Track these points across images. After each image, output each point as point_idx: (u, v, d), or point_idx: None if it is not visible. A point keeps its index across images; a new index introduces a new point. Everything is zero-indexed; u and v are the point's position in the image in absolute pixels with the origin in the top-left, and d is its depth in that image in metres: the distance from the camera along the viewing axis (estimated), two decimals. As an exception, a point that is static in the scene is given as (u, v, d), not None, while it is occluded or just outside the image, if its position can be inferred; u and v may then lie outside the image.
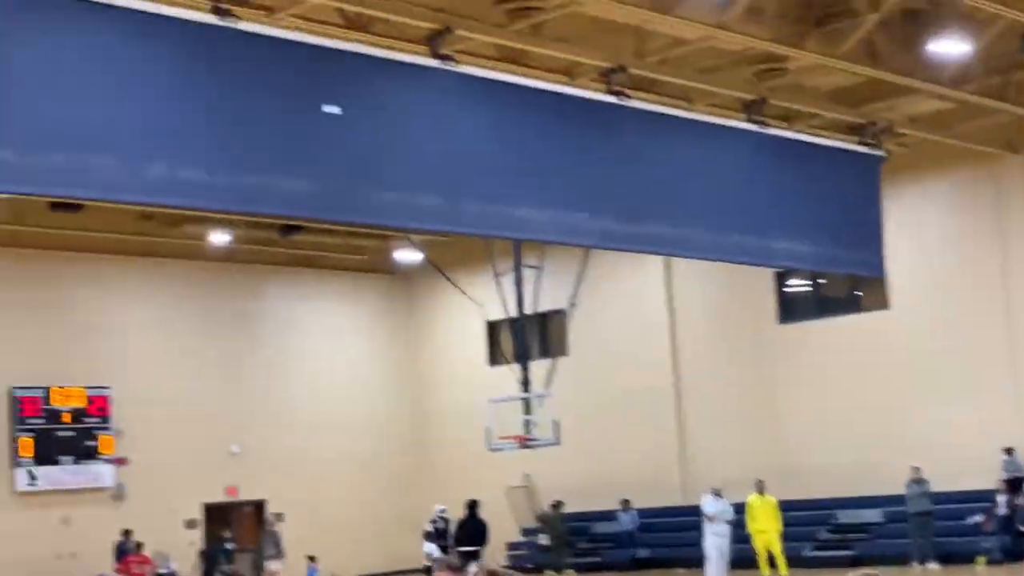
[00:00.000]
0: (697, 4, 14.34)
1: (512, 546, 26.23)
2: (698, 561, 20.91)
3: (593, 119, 13.05)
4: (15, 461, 23.19)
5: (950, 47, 16.33)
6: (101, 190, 9.88)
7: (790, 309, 24.41)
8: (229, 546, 24.47)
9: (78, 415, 24.06)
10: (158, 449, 24.54)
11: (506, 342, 26.84)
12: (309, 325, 27.80)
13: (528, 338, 24.41)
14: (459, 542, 21.42)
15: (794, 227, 14.72)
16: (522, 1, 14.01)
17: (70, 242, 24.00)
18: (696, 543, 20.96)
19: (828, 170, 15.25)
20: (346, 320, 28.65)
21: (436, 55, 12.12)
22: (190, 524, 25.24)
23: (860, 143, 16.20)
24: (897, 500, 21.27)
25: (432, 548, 22.96)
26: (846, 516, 22.89)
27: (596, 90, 13.83)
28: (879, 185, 15.98)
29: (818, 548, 22.53)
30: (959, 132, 20.45)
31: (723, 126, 14.53)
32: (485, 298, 25.44)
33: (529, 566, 24.70)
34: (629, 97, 13.65)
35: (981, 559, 20.65)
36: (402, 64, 11.73)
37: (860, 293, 23.44)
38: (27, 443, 23.34)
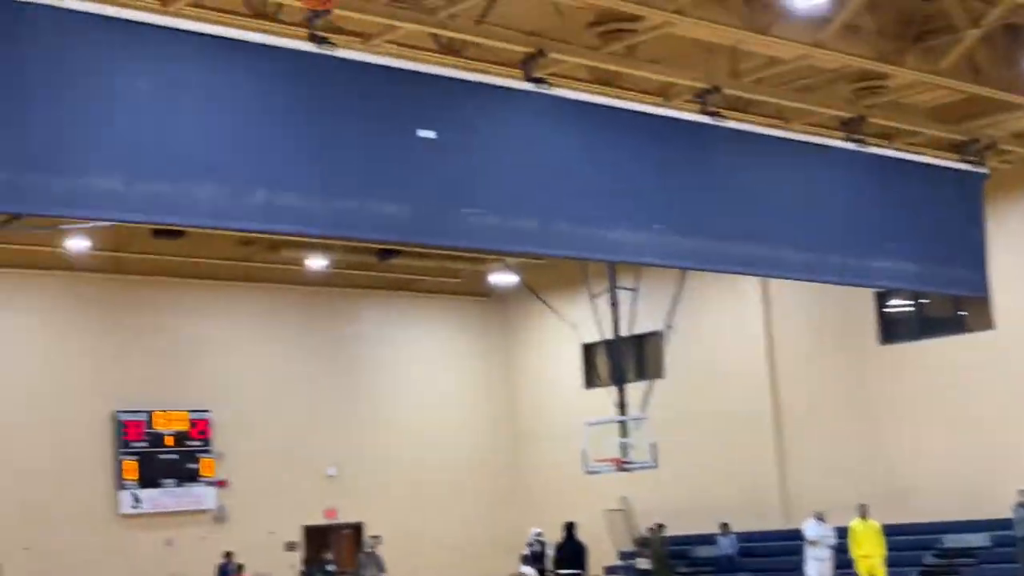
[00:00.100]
0: (793, 23, 14.23)
1: (610, 570, 26.08)
2: (799, 586, 20.64)
3: (687, 140, 12.99)
4: (119, 484, 23.60)
5: (1054, 61, 16.01)
6: (204, 217, 10.04)
7: (891, 330, 24.01)
8: (330, 568, 24.65)
9: (180, 438, 24.44)
10: (258, 471, 24.83)
11: (602, 364, 26.77)
12: (405, 348, 27.97)
13: (624, 360, 24.33)
14: (558, 564, 21.36)
15: (894, 246, 14.50)
16: (615, 23, 13.99)
17: (172, 268, 24.44)
18: (797, 568, 20.68)
19: (929, 188, 15.01)
20: (442, 343, 28.78)
21: (529, 78, 12.17)
22: (290, 546, 25.47)
23: (962, 161, 15.93)
24: (1004, 524, 20.77)
25: (530, 571, 22.90)
26: (952, 540, 22.39)
27: (690, 111, 13.77)
28: (982, 203, 15.69)
29: (923, 574, 22.07)
30: (1065, 148, 20.02)
31: (820, 145, 14.38)
32: (580, 320, 25.41)
33: (627, 590, 24.55)
34: (724, 117, 13.59)
35: (1092, 585, 20.13)
36: (496, 88, 11.80)
37: (964, 313, 22.97)
38: (131, 466, 23.76)
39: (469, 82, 11.59)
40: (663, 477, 22.84)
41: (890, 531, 20.48)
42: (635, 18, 13.71)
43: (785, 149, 13.92)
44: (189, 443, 24.51)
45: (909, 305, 23.99)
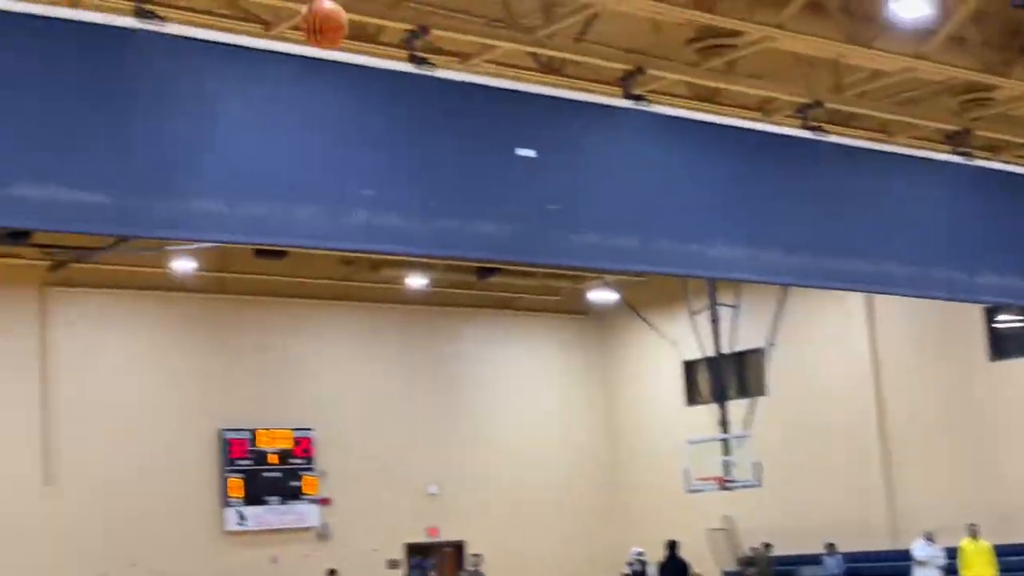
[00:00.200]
0: (897, 35, 14.02)
1: (712, 589, 25.84)
2: (908, 608, 20.25)
3: (788, 155, 12.83)
4: (225, 501, 23.92)
5: None
6: (305, 237, 10.13)
7: (1001, 346, 23.48)
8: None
9: (284, 456, 24.71)
10: (359, 489, 25.01)
11: (703, 382, 26.56)
12: (504, 366, 28.01)
13: (725, 378, 24.12)
14: (661, 583, 21.22)
15: (1001, 261, 14.15)
16: (714, 39, 13.90)
17: (275, 288, 24.75)
18: (905, 589, 20.30)
19: (1039, 201, 14.65)
20: (541, 361, 28.77)
21: (628, 95, 12.12)
22: (393, 564, 25.60)
23: (1072, 173, 15.51)
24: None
25: (631, 590, 22.79)
26: (1065, 562, 21.84)
27: (791, 126, 13.61)
28: (1093, 216, 15.26)
29: (1036, 596, 21.56)
30: None
31: (925, 159, 14.11)
32: (680, 337, 25.25)
33: (731, 610, 24.29)
34: (826, 132, 13.41)
35: None
36: (594, 106, 11.76)
37: (1077, 328, 22.43)
38: (236, 484, 24.06)
39: (568, 100, 11.57)
40: (766, 496, 22.56)
41: (1001, 551, 20.01)
42: (735, 33, 13.60)
43: (889, 163, 13.67)
44: (292, 461, 24.77)
45: (1020, 320, 23.45)
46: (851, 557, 24.34)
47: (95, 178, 8.91)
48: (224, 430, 24.08)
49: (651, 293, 26.23)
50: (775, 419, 24.50)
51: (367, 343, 26.37)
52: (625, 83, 12.51)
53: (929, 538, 19.98)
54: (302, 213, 9.69)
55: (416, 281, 25.34)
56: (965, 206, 14.03)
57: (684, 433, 23.10)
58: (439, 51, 12.66)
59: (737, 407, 23.26)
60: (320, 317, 25.70)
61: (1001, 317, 23.47)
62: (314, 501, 24.87)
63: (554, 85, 12.93)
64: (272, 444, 24.57)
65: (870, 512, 24.47)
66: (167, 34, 9.28)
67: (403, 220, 10.28)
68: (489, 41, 13.00)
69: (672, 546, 21.51)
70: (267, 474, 24.41)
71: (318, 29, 6.96)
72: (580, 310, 28.88)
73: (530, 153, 10.90)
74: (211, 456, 23.94)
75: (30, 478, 21.75)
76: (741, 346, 24.12)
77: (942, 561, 19.92)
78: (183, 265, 22.66)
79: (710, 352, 23.95)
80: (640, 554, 23.51)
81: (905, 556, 20.73)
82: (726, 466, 21.33)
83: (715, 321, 23.72)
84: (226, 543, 23.87)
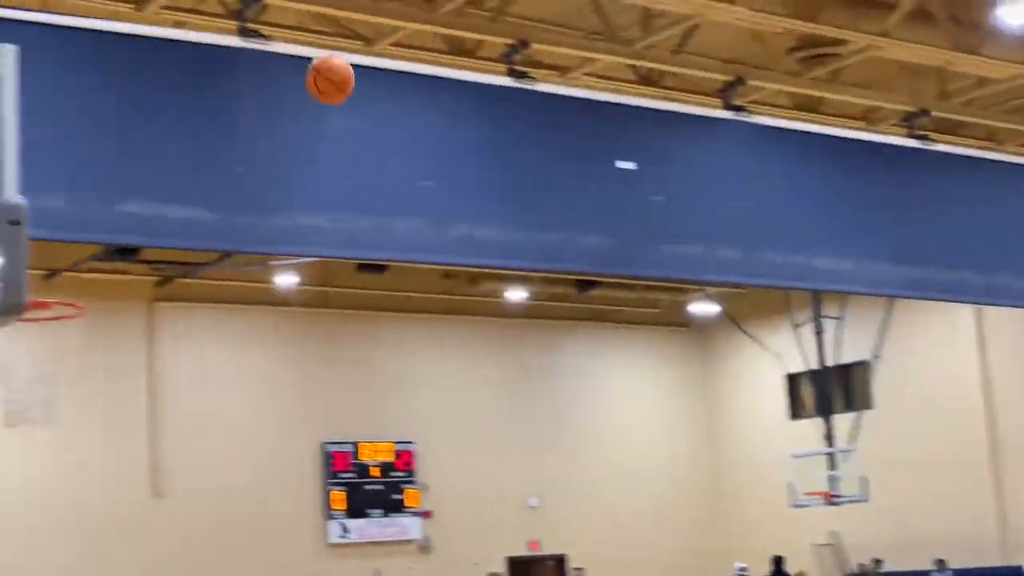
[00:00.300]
0: (1005, 42, 13.71)
1: (818, 606, 25.44)
2: (1021, 627, 19.75)
3: (894, 165, 12.67)
4: (328, 514, 24.12)
5: None
6: (406, 251, 10.22)
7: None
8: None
9: (386, 469, 24.86)
10: (460, 502, 25.07)
11: (807, 395, 26.21)
12: (605, 379, 27.90)
13: (830, 391, 23.78)
14: (765, 599, 20.96)
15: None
16: (817, 48, 13.72)
17: (375, 302, 24.93)
18: (1018, 607, 19.81)
19: None
20: (641, 373, 28.61)
21: (729, 106, 12.04)
22: (493, 577, 25.63)
23: None
24: None
25: (735, 606, 22.53)
26: None
27: (897, 135, 13.41)
28: None
29: None
30: None
31: (1036, 167, 13.81)
32: (784, 350, 24.95)
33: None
34: (933, 141, 13.19)
35: None
36: (695, 117, 11.72)
37: None
38: (339, 496, 24.25)
39: (668, 112, 11.54)
40: (873, 511, 22.17)
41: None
42: (838, 42, 13.41)
43: (998, 172, 13.43)
44: (394, 474, 24.90)
45: None
46: (961, 573, 23.79)
47: (201, 195, 9.06)
48: (327, 443, 24.29)
49: (753, 305, 25.96)
50: (881, 432, 24.06)
51: (467, 356, 26.44)
52: (725, 94, 12.40)
53: (1042, 555, 19.51)
54: (404, 227, 9.77)
55: (516, 294, 25.36)
56: (1078, 215, 13.69)
57: (787, 447, 22.79)
58: (538, 64, 12.65)
59: (843, 421, 22.91)
60: (420, 330, 25.82)
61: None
62: (416, 514, 24.98)
63: (654, 97, 12.88)
64: (374, 457, 24.73)
65: (981, 527, 23.91)
66: (270, 52, 9.41)
67: (503, 233, 10.31)
68: (588, 54, 12.97)
69: (778, 561, 21.26)
70: (369, 487, 24.56)
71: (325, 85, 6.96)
72: (681, 323, 28.68)
73: (630, 165, 10.87)
74: (314, 469, 24.16)
75: (139, 490, 22.12)
76: (846, 359, 23.77)
77: (1057, 578, 19.43)
78: (286, 280, 22.92)
79: (814, 365, 23.64)
80: (743, 569, 23.24)
81: (1017, 572, 20.25)
82: (832, 481, 21.03)
83: (819, 333, 23.42)
84: (329, 555, 24.07)
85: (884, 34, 13.09)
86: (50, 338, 13.53)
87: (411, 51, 12.57)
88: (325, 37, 12.31)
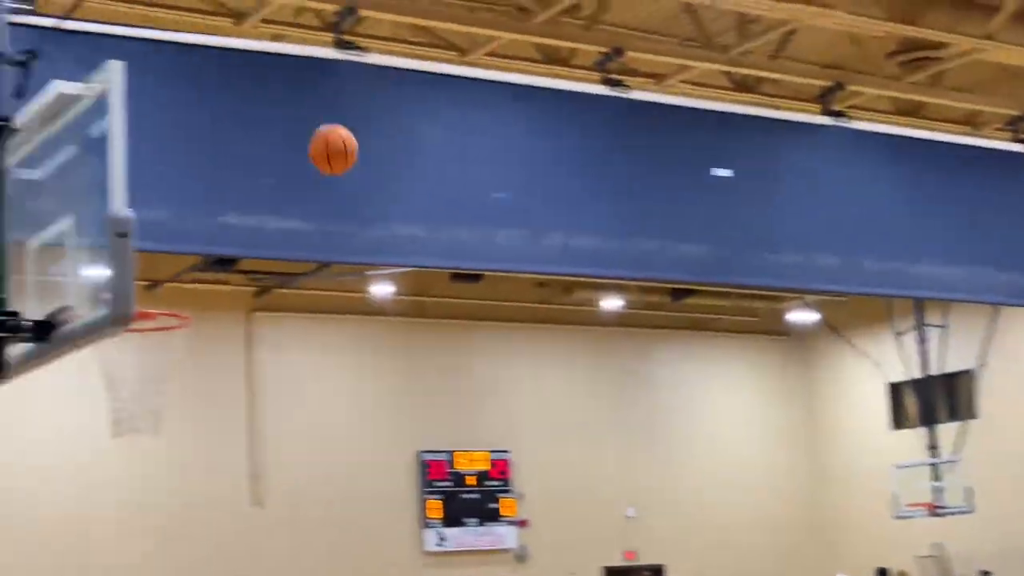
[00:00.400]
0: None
1: (922, 619, 24.97)
2: None
3: (997, 170, 12.42)
4: (424, 523, 24.22)
5: None
6: (502, 261, 10.22)
7: None
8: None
9: (481, 478, 24.90)
10: (556, 511, 25.01)
11: (910, 404, 25.77)
12: (701, 388, 27.69)
13: (934, 400, 23.36)
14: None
15: None
16: (918, 52, 13.49)
17: (470, 311, 25.00)
18: None
19: None
20: (739, 382, 28.34)
21: (828, 112, 11.89)
22: (589, 587, 25.53)
23: None
24: None
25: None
26: None
27: (1001, 139, 13.13)
28: None
29: None
30: None
31: None
32: (885, 359, 24.56)
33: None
34: (1038, 145, 12.90)
35: None
36: (792, 123, 11.59)
37: None
38: (435, 505, 24.34)
39: (765, 118, 11.44)
40: (978, 522, 21.70)
41: None
42: (940, 45, 13.17)
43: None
44: (489, 483, 24.93)
45: None
46: (1070, 587, 23.25)
47: (299, 206, 9.15)
48: (422, 452, 24.40)
49: (853, 313, 25.59)
50: (987, 442, 23.54)
51: (562, 365, 26.39)
52: (824, 99, 12.23)
53: None
54: (499, 237, 9.78)
55: (611, 303, 25.27)
56: None
57: (890, 457, 22.42)
58: (633, 72, 12.60)
59: (947, 430, 22.49)
60: (515, 339, 25.84)
61: None
62: (512, 523, 24.98)
63: (750, 104, 12.78)
64: (470, 466, 24.78)
65: (1091, 541, 23.32)
66: (367, 64, 9.48)
67: (599, 242, 10.28)
68: (683, 61, 12.89)
69: (882, 573, 20.92)
70: (465, 496, 24.62)
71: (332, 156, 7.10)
72: (780, 331, 28.35)
73: (726, 173, 10.78)
74: (410, 478, 24.28)
75: (239, 498, 22.39)
76: (950, 367, 23.34)
77: None
78: (382, 290, 23.08)
79: (917, 374, 23.25)
80: (844, 582, 22.95)
81: None
82: (936, 491, 20.65)
83: (922, 342, 23.04)
84: (427, 564, 24.16)
85: (988, 36, 12.83)
86: (154, 348, 13.76)
87: (505, 60, 12.60)
88: (420, 48, 12.39)
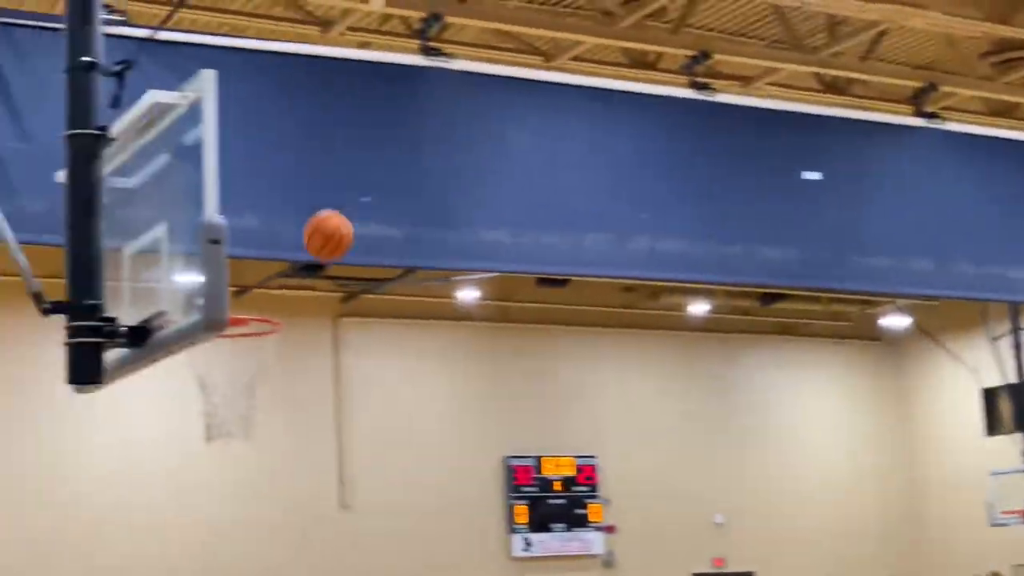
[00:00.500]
0: None
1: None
2: None
3: (1097, 170, 12.14)
4: (511, 528, 24.23)
5: None
6: (589, 266, 10.20)
7: None
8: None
9: (568, 484, 24.84)
10: (643, 517, 24.88)
11: (1005, 410, 25.27)
12: (790, 394, 27.39)
13: (1030, 406, 22.91)
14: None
15: None
16: (1012, 52, 13.24)
17: (556, 316, 24.97)
18: None
19: None
20: (830, 388, 28.00)
21: (920, 113, 11.72)
22: (677, 594, 25.37)
23: None
24: None
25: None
26: None
27: (1099, 140, 12.84)
28: None
29: None
30: None
31: None
32: (980, 364, 24.13)
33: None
34: None
35: None
36: (884, 125, 11.42)
37: None
38: (522, 510, 24.34)
39: (855, 120, 11.29)
40: (1077, 532, 21.25)
41: None
42: (1035, 45, 12.94)
43: None
44: (576, 488, 24.87)
45: None
46: None
47: (386, 212, 9.20)
48: (509, 457, 24.41)
49: (946, 317, 25.16)
50: (1085, 450, 23.05)
51: (648, 370, 26.27)
52: (916, 101, 12.06)
53: None
54: (585, 241, 9.76)
55: (698, 308, 25.10)
56: None
57: (984, 464, 22.01)
58: (720, 75, 12.51)
59: (1043, 437, 22.07)
60: (601, 344, 25.76)
61: None
62: (599, 529, 24.90)
63: (840, 105, 12.62)
64: (556, 471, 24.74)
65: None
66: (453, 70, 9.51)
67: (686, 246, 10.22)
68: (772, 63, 12.77)
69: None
70: (552, 501, 24.59)
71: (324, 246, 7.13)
72: (871, 336, 27.96)
73: (816, 176, 10.66)
74: (497, 483, 24.30)
75: (327, 502, 22.57)
76: (1047, 373, 22.88)
77: None
78: (468, 295, 23.14)
79: (1013, 379, 22.80)
80: (938, 590, 22.57)
81: None
82: (1032, 499, 20.26)
83: (1018, 346, 22.59)
84: (513, 569, 24.16)
85: (1085, 35, 12.57)
86: (245, 353, 13.92)
87: (591, 65, 12.57)
88: (505, 53, 12.40)
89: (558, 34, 12.03)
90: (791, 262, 10.53)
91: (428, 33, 10.04)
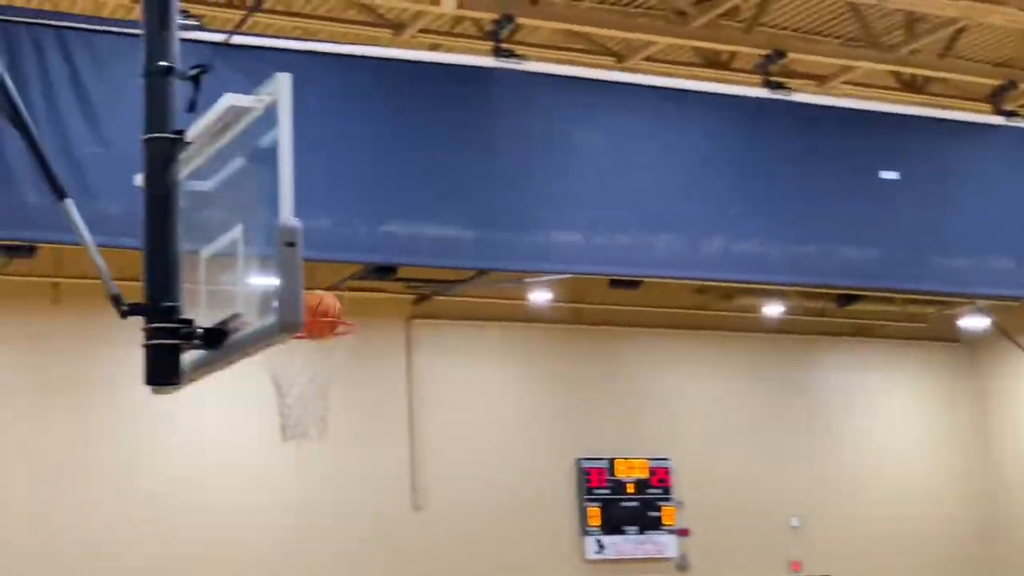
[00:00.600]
0: None
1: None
2: None
3: None
4: (584, 530, 24.17)
5: None
6: (662, 267, 10.15)
7: None
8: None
9: (641, 486, 24.73)
10: (716, 520, 24.69)
11: (1086, 414, 24.83)
12: (867, 395, 27.05)
13: (1112, 409, 22.44)
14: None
15: None
16: (1094, 46, 12.99)
17: (628, 317, 24.85)
18: None
19: None
20: (907, 390, 27.62)
21: (1000, 111, 11.54)
22: (752, 598, 25.17)
23: None
24: None
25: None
26: None
27: None
28: None
29: None
30: None
31: None
32: (1060, 366, 23.71)
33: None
34: None
35: None
36: (963, 123, 11.26)
37: None
38: (594, 513, 24.25)
39: (933, 119, 11.15)
40: None
41: None
42: (1118, 39, 12.67)
43: None
44: (650, 491, 24.74)
45: None
46: None
47: (458, 214, 9.21)
48: (581, 459, 24.35)
49: (1026, 318, 24.75)
50: None
51: (722, 372, 26.07)
52: (995, 98, 11.87)
53: None
54: (658, 242, 9.71)
55: (772, 309, 24.87)
56: None
57: (1065, 468, 21.62)
58: (794, 74, 12.39)
59: None
60: (674, 346, 25.61)
61: None
62: (672, 532, 24.76)
63: (918, 104, 12.46)
64: (629, 474, 24.64)
65: None
66: (525, 71, 9.50)
67: (760, 247, 10.13)
68: (848, 62, 12.61)
69: (1055, 589, 20.16)
70: (625, 504, 24.48)
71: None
72: (950, 337, 27.54)
73: (893, 175, 10.54)
74: (570, 485, 24.24)
75: (399, 503, 22.64)
76: None
77: None
78: (540, 296, 23.10)
79: (1093, 381, 22.38)
80: (1019, 596, 22.17)
81: None
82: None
83: (1098, 348, 22.14)
84: (586, 571, 24.08)
85: None
86: (319, 355, 14.01)
87: (663, 65, 12.50)
88: (577, 54, 12.37)
89: (630, 34, 11.96)
90: (869, 262, 10.41)
91: (500, 35, 10.04)
